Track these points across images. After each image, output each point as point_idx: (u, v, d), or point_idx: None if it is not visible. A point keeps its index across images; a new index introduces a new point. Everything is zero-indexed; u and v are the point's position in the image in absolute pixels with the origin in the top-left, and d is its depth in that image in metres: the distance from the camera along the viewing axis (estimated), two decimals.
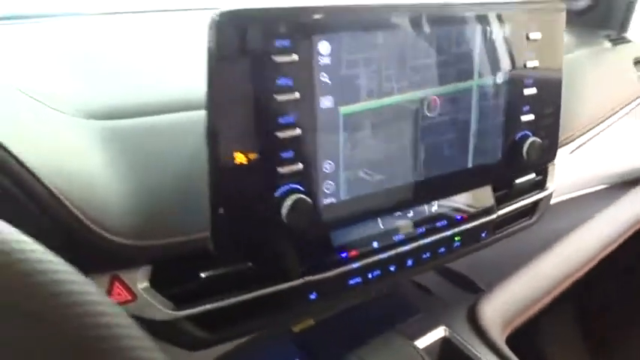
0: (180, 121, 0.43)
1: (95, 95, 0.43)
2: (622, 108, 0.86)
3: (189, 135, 0.42)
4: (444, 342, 0.63)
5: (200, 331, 0.44)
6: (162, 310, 0.42)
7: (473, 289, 0.75)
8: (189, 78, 0.45)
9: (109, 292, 0.40)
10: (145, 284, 0.42)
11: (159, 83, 0.47)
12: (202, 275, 0.43)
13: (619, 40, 0.98)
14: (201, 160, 0.39)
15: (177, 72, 0.49)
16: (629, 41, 0.99)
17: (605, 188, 0.98)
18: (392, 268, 0.53)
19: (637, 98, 0.91)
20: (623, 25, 1.03)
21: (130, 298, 0.41)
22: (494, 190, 0.59)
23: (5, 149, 0.36)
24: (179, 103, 0.44)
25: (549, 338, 0.92)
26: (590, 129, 0.77)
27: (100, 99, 0.43)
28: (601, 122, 0.79)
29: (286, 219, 0.40)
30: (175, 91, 0.46)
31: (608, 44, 0.94)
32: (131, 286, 0.41)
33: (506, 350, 0.61)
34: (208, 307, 0.44)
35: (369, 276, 0.52)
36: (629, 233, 0.86)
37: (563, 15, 0.55)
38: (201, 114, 0.38)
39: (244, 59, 0.37)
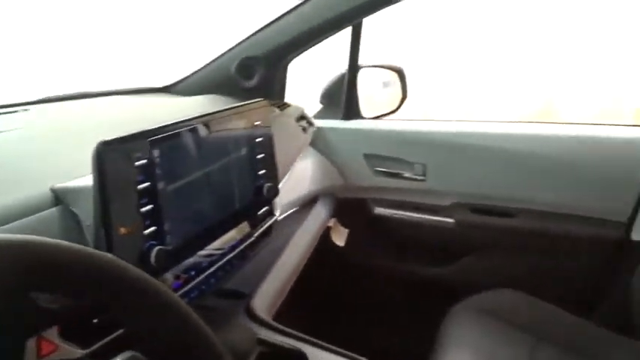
0: None
1: None
2: (300, 152, 1.30)
3: None
4: None
5: None
6: (74, 351, 0.58)
7: (241, 296, 1.05)
8: None
9: (38, 347, 0.55)
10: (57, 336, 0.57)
11: None
12: (94, 320, 0.61)
13: (282, 105, 1.43)
14: None
15: None
16: (289, 105, 1.45)
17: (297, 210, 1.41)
18: (204, 287, 0.78)
19: (303, 146, 1.37)
20: (281, 95, 1.49)
21: (53, 348, 0.56)
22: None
23: None
24: None
25: (301, 308, 1.28)
26: (287, 171, 1.16)
27: None
28: (291, 165, 1.20)
29: (155, 263, 0.63)
30: None
31: (277, 110, 1.36)
32: (51, 339, 0.56)
33: (275, 324, 0.93)
34: (102, 342, 0.62)
35: (192, 295, 0.76)
36: (321, 231, 1.31)
37: (269, 108, 0.91)
38: None
39: (118, 168, 0.59)
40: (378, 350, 1.03)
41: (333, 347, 0.89)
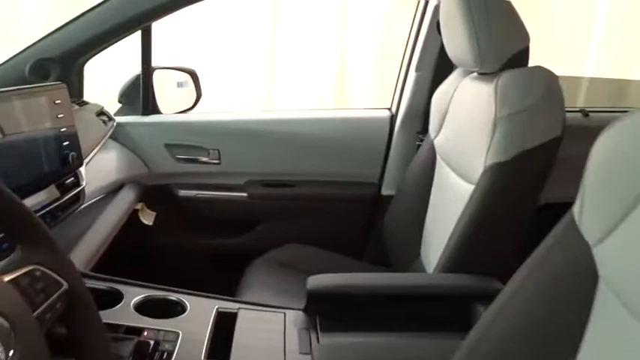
0: None
1: None
2: (100, 143, 1.43)
3: None
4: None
5: None
6: None
7: None
8: None
9: None
10: None
11: None
12: None
13: (81, 102, 1.53)
14: None
15: None
16: (88, 102, 1.56)
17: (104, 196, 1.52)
18: None
19: (105, 135, 1.50)
20: (79, 94, 1.60)
21: None
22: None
23: None
24: None
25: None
26: (89, 153, 1.29)
27: None
28: (93, 149, 1.33)
29: None
30: None
31: (76, 107, 1.47)
32: None
33: (92, 273, 1.07)
34: None
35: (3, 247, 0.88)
36: (129, 212, 1.45)
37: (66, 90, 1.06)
38: None
39: None
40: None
41: (145, 283, 1.06)
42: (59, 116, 1.01)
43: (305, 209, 1.73)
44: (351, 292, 1.10)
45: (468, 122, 1.19)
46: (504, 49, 1.11)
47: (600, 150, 0.56)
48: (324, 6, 3.06)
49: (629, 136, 0.53)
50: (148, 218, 1.61)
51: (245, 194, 1.71)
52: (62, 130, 1.02)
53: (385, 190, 1.73)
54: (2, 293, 0.52)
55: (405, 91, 1.70)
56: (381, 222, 1.62)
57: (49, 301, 0.59)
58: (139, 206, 1.60)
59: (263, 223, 1.74)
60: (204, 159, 1.68)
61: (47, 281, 0.60)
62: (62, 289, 0.62)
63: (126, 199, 1.51)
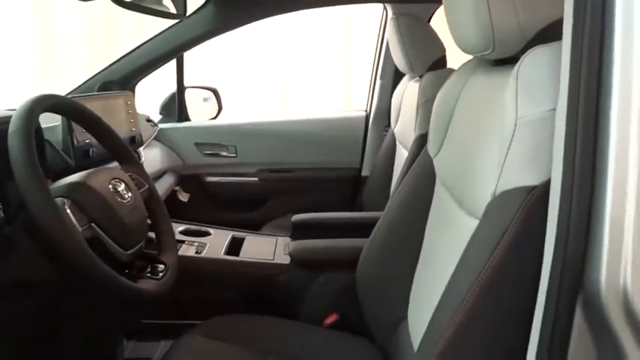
0: None
1: None
2: (151, 136, 1.98)
3: None
4: None
5: None
6: None
7: None
8: None
9: None
10: None
11: None
12: None
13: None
14: None
15: None
16: (138, 113, 2.13)
17: None
18: None
19: (152, 135, 2.05)
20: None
21: None
22: None
23: None
24: None
25: None
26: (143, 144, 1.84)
27: None
28: (146, 141, 1.89)
29: None
30: None
31: None
32: None
33: None
34: None
35: None
36: (168, 192, 2.00)
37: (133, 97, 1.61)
38: None
39: None
40: None
41: (186, 221, 1.59)
42: (129, 112, 1.57)
43: (303, 189, 2.26)
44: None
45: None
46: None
47: (434, 103, 1.03)
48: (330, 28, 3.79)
49: (443, 89, 1.01)
50: (184, 197, 2.15)
51: (256, 179, 2.24)
52: (131, 121, 1.57)
53: (364, 172, 2.25)
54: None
55: (374, 96, 2.24)
56: (360, 197, 2.14)
57: (140, 190, 1.12)
58: (177, 188, 2.14)
59: (269, 201, 2.27)
60: (225, 153, 2.23)
61: (139, 181, 1.14)
62: (145, 187, 1.15)
63: (167, 182, 2.05)
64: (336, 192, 2.27)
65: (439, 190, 1.00)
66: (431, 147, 1.04)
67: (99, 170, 1.02)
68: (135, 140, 1.58)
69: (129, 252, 0.99)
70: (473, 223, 0.74)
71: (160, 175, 2.08)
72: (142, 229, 1.05)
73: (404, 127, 1.79)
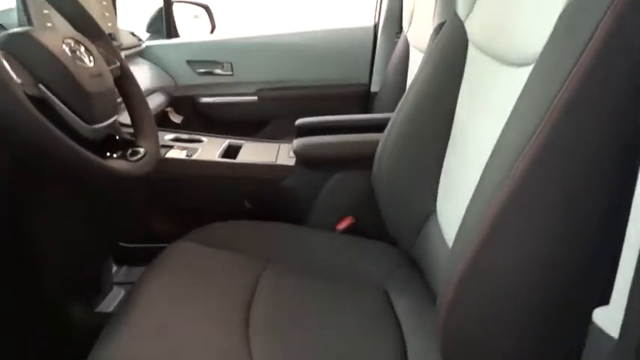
0: None
1: None
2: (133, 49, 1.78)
3: None
4: None
5: None
6: None
7: None
8: None
9: None
10: None
11: None
12: None
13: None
14: None
15: None
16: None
17: None
18: None
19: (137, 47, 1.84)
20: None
21: None
22: None
23: None
24: None
25: None
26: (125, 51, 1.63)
27: None
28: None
29: None
30: None
31: None
32: None
33: None
34: None
35: None
36: (157, 110, 1.80)
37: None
38: None
39: None
40: None
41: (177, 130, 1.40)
42: (104, 3, 1.36)
43: (308, 108, 2.05)
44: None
45: None
46: None
47: None
48: None
49: None
50: (176, 119, 1.95)
51: (255, 98, 2.04)
52: (106, 14, 1.36)
53: (373, 88, 2.03)
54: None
55: (383, 2, 2.00)
56: (371, 109, 1.94)
57: (110, 68, 0.92)
58: (168, 109, 1.94)
59: (271, 122, 2.07)
60: (220, 71, 2.02)
61: (108, 58, 0.94)
62: (116, 65, 0.96)
63: (156, 100, 1.85)
64: (343, 110, 2.06)
65: (474, 55, 0.83)
66: (461, 8, 0.87)
67: (50, 28, 0.82)
68: (112, 38, 1.37)
69: (93, 126, 0.80)
70: (524, 74, 0.58)
71: (147, 95, 1.88)
72: (110, 101, 0.86)
73: (420, 23, 1.56)
